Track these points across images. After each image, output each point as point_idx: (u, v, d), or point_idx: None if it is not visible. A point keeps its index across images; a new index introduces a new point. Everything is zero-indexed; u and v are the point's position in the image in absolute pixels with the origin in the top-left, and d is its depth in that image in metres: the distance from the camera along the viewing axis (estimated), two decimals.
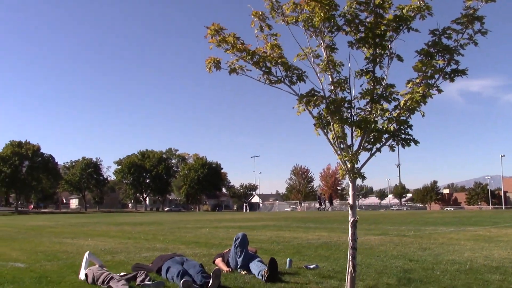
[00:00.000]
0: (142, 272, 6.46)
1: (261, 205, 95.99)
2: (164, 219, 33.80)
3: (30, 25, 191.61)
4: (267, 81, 4.17)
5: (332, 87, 4.10)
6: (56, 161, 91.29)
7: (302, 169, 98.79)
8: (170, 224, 24.44)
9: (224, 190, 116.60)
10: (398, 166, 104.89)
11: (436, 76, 3.92)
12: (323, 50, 4.06)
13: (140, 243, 12.35)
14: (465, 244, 10.79)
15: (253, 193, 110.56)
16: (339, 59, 4.20)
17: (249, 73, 4.26)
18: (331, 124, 3.94)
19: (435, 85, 3.96)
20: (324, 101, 3.95)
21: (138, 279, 6.20)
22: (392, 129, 3.96)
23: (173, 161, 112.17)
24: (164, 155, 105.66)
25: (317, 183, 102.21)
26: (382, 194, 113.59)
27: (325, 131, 4.07)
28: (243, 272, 6.99)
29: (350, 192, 4.03)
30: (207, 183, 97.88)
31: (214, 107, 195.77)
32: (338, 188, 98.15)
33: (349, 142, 4.15)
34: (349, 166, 3.93)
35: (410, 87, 3.86)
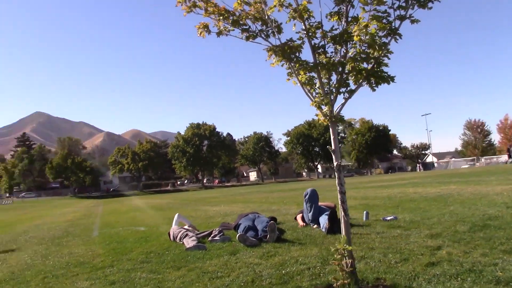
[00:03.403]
0: (217, 229, 7.06)
1: (435, 164, 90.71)
2: (323, 184, 34.44)
3: None
4: (245, 39, 4.28)
5: (305, 34, 4.06)
6: (233, 138, 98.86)
7: (477, 123, 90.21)
8: (321, 188, 24.90)
9: (395, 152, 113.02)
10: None
11: (404, 4, 3.65)
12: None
13: (261, 206, 13.09)
14: None
15: (427, 152, 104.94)
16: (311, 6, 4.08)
17: (233, 33, 4.36)
18: (294, 70, 3.96)
19: (407, 16, 3.71)
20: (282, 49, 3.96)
21: (211, 236, 6.81)
22: (360, 68, 3.82)
23: (340, 127, 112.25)
24: None
25: (494, 136, 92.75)
26: None
27: (299, 78, 4.08)
28: (314, 226, 7.14)
29: (332, 137, 4.00)
30: (375, 146, 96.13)
31: None
32: None
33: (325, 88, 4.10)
34: (324, 110, 3.91)
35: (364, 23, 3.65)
